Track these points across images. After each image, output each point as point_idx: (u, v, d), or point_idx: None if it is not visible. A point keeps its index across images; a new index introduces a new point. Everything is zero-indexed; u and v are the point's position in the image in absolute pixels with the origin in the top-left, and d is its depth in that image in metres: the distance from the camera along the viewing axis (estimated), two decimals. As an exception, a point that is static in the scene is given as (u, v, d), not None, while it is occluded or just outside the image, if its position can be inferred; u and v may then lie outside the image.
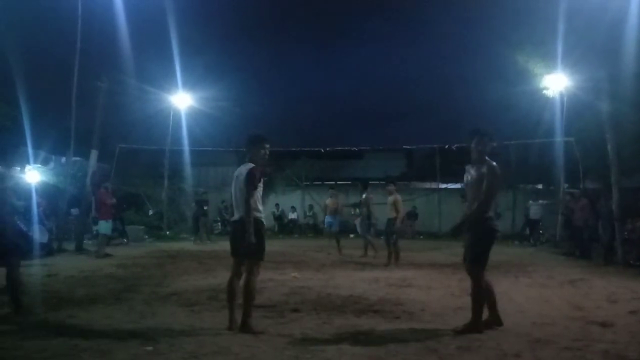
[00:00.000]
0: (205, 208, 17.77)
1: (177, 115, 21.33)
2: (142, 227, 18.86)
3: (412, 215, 21.09)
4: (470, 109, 25.32)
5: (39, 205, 12.44)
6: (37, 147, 16.15)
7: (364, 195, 13.23)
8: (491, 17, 18.94)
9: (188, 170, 22.07)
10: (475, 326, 5.20)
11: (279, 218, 23.54)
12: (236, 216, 5.38)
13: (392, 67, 69.52)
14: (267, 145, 5.49)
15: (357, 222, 14.89)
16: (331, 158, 26.53)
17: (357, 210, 14.24)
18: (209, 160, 24.49)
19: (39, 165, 16.65)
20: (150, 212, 21.48)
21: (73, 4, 14.15)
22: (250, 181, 5.18)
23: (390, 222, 11.42)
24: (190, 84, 21.10)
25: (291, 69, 64.33)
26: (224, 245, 6.44)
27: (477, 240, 5.30)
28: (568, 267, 11.23)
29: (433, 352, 4.57)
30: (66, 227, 15.14)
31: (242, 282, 5.31)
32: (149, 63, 20.55)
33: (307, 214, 23.43)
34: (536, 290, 8.06)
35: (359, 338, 5.02)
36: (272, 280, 8.47)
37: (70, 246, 13.88)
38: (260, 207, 5.39)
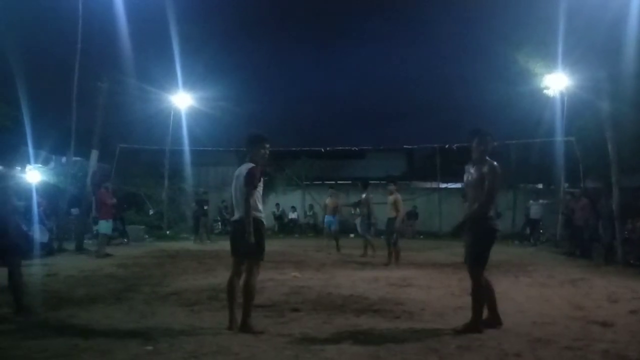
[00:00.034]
0: (205, 208, 17.76)
1: (177, 115, 21.32)
2: (143, 226, 18.85)
3: (412, 214, 21.08)
4: (471, 109, 25.31)
5: (39, 205, 12.46)
6: (37, 147, 16.16)
7: (363, 195, 13.22)
8: (491, 17, 18.96)
9: (188, 170, 22.05)
10: (475, 326, 5.19)
11: (279, 218, 23.54)
12: (236, 216, 5.39)
13: (392, 67, 69.58)
14: (267, 145, 5.49)
15: (357, 221, 14.88)
16: (331, 158, 26.52)
17: (357, 210, 14.21)
18: (209, 160, 24.48)
19: (40, 165, 16.67)
20: (151, 212, 21.47)
21: (73, 4, 14.15)
22: (250, 181, 5.18)
23: (391, 221, 11.42)
24: (191, 83, 21.09)
25: (291, 68, 64.40)
26: (224, 244, 6.45)
27: (477, 240, 5.30)
28: (568, 267, 11.23)
29: (433, 351, 4.56)
30: (66, 226, 15.14)
31: (242, 281, 5.31)
32: (150, 63, 20.55)
33: (308, 213, 23.42)
34: (536, 289, 8.06)
35: (359, 337, 5.02)
36: (272, 280, 8.46)
37: (71, 246, 13.88)
38: (260, 207, 5.39)
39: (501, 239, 12.37)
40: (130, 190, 20.77)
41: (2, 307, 6.08)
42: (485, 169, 5.29)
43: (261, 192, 5.40)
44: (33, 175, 15.09)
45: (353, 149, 25.62)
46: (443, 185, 23.03)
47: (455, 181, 20.32)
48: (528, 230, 18.46)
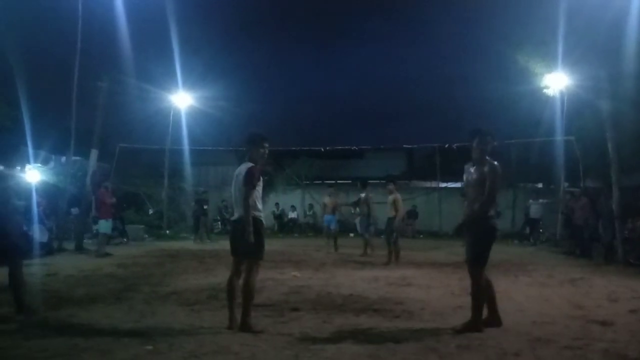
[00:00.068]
0: (205, 207, 17.77)
1: (177, 114, 21.33)
2: (142, 226, 18.86)
3: (412, 214, 21.08)
4: (471, 108, 25.28)
5: (39, 204, 12.45)
6: (37, 146, 16.15)
7: (362, 195, 13.21)
8: (491, 16, 18.97)
9: (188, 169, 22.08)
10: (475, 325, 5.20)
11: (279, 217, 23.54)
12: (236, 215, 5.39)
13: (392, 66, 69.51)
14: (267, 145, 5.49)
15: (357, 221, 14.90)
16: (331, 157, 26.55)
17: (357, 209, 14.21)
18: (209, 160, 24.50)
19: (39, 165, 16.66)
20: (150, 212, 21.49)
21: (73, 4, 14.15)
22: (249, 180, 5.18)
23: (390, 221, 11.43)
24: (190, 83, 21.11)
25: (291, 68, 64.37)
26: (224, 244, 6.45)
27: (478, 240, 5.31)
28: (568, 266, 11.23)
29: (433, 351, 4.56)
30: (66, 226, 15.14)
31: (241, 281, 5.31)
32: (149, 62, 20.58)
33: (307, 213, 23.43)
34: (536, 289, 8.06)
35: (358, 337, 5.02)
36: (272, 280, 8.46)
37: (70, 245, 13.88)
38: (260, 206, 5.38)
39: (501, 238, 12.38)
40: (129, 189, 20.78)
41: (3, 307, 6.07)
42: (486, 168, 5.29)
43: (261, 191, 5.40)
44: (33, 174, 15.08)
45: (353, 148, 25.62)
46: (443, 185, 23.05)
47: (455, 180, 20.33)
48: (528, 230, 18.46)
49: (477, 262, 5.32)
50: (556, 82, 17.31)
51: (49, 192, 15.57)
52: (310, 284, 8.32)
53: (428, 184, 24.88)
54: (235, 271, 5.39)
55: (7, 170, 6.18)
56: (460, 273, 9.03)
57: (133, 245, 15.89)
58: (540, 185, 22.46)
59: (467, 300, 5.50)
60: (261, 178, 5.38)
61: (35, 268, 9.22)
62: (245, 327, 5.14)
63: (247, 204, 5.14)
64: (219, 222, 21.87)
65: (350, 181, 24.79)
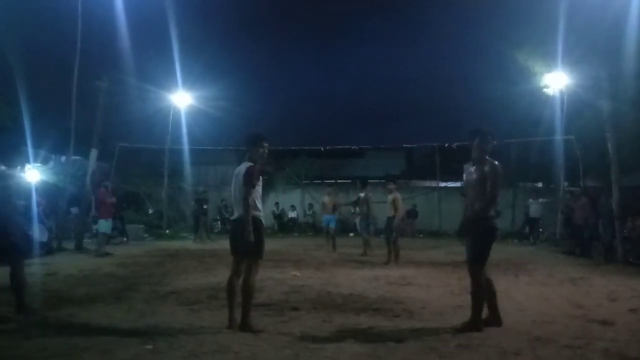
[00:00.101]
0: (205, 207, 17.76)
1: (177, 114, 21.32)
2: (142, 226, 18.87)
3: (412, 213, 21.08)
4: (471, 108, 25.39)
5: (38, 204, 12.45)
6: (37, 146, 16.14)
7: (361, 194, 13.20)
8: (491, 16, 18.97)
9: (188, 169, 22.08)
10: (474, 324, 5.20)
11: (279, 217, 23.53)
12: (236, 215, 5.39)
13: (392, 66, 69.66)
14: (266, 144, 5.49)
15: (357, 220, 14.90)
16: (331, 157, 26.54)
17: (357, 209, 14.21)
18: (208, 159, 24.50)
19: (39, 164, 16.65)
20: (150, 211, 21.48)
21: (73, 3, 14.14)
22: (248, 179, 5.19)
23: (390, 220, 11.42)
24: (190, 83, 21.11)
25: (291, 68, 64.46)
26: (224, 244, 6.45)
27: (478, 240, 5.31)
28: (568, 266, 11.23)
29: (433, 350, 4.56)
30: (66, 226, 15.14)
31: (241, 280, 5.31)
32: (149, 62, 20.62)
33: (307, 212, 23.42)
34: (536, 288, 8.06)
35: (359, 336, 5.02)
36: (271, 279, 8.47)
37: (70, 245, 13.88)
38: (260, 206, 5.38)
39: (501, 237, 12.38)
40: (129, 189, 20.78)
41: (3, 307, 6.07)
42: (486, 168, 5.29)
43: (260, 191, 5.40)
44: (32, 174, 15.07)
45: (353, 148, 25.62)
46: (442, 184, 23.06)
47: (455, 180, 20.34)
48: (527, 229, 18.46)
49: (477, 261, 5.32)
50: (556, 81, 17.31)
51: (48, 192, 15.57)
52: (310, 283, 8.32)
53: (428, 184, 24.89)
54: (235, 271, 5.39)
55: (8, 170, 6.16)
56: (460, 272, 9.03)
57: (133, 244, 15.89)
58: (540, 184, 22.47)
59: (467, 299, 5.50)
60: (261, 178, 5.38)
61: (35, 268, 9.21)
62: (245, 326, 5.14)
63: (247, 204, 5.14)
64: (219, 222, 21.87)
65: (350, 181, 24.80)
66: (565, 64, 15.87)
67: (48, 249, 12.36)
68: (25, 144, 15.03)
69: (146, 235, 18.46)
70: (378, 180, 20.26)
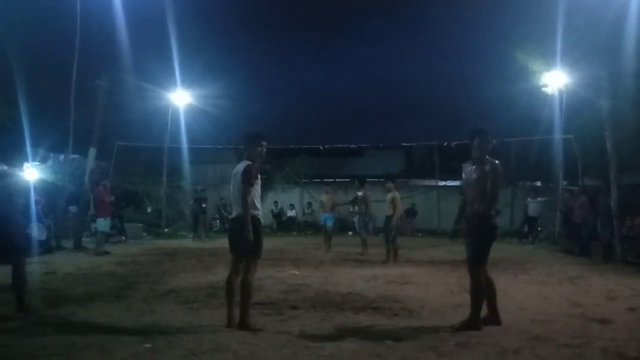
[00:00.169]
0: (203, 205, 17.74)
1: (175, 113, 21.29)
2: (141, 224, 18.85)
3: (411, 212, 21.05)
4: (470, 107, 25.26)
5: (37, 202, 12.43)
6: (36, 145, 16.12)
7: (360, 193, 13.19)
8: (491, 16, 18.96)
9: (187, 167, 22.05)
10: (473, 323, 5.20)
11: (278, 215, 23.52)
12: (234, 214, 5.39)
13: (391, 65, 69.55)
14: (265, 143, 5.48)
15: (356, 219, 14.89)
16: (330, 155, 26.51)
17: (356, 208, 14.18)
18: (207, 158, 24.47)
19: (38, 163, 16.63)
20: (149, 210, 21.46)
21: (72, 3, 14.12)
22: (247, 178, 5.19)
23: (389, 219, 11.42)
24: (189, 81, 21.06)
25: (291, 67, 64.32)
26: (223, 242, 6.45)
27: (478, 239, 5.30)
28: (567, 265, 11.23)
29: (432, 349, 4.57)
30: (64, 224, 15.12)
31: (239, 279, 5.31)
32: (148, 61, 20.50)
33: (306, 211, 23.41)
34: (535, 287, 8.07)
35: (357, 335, 5.02)
36: (270, 278, 8.47)
37: (69, 244, 13.88)
38: (258, 205, 5.38)
39: (499, 236, 12.33)
40: (128, 188, 20.76)
41: (3, 306, 6.06)
42: (487, 167, 5.29)
43: (259, 189, 5.40)
44: (31, 173, 15.05)
45: (352, 146, 25.61)
46: (441, 183, 23.05)
47: (454, 179, 20.35)
48: (526, 228, 18.44)
49: (477, 260, 5.32)
50: (555, 80, 17.29)
51: (47, 191, 15.54)
52: (309, 282, 8.32)
53: (427, 182, 24.86)
54: (234, 269, 5.39)
55: (9, 169, 6.16)
56: (459, 271, 9.04)
57: (132, 243, 15.89)
58: (539, 183, 22.45)
59: (466, 298, 5.51)
60: (259, 176, 5.38)
61: (33, 266, 9.18)
62: (244, 325, 5.14)
63: (245, 202, 5.14)
64: (218, 221, 21.84)
65: (349, 179, 24.75)
66: (564, 63, 15.86)
67: (47, 248, 12.36)
68: (24, 143, 15.02)
69: (145, 234, 18.45)
70: (377, 179, 20.23)
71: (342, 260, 11.62)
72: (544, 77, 17.88)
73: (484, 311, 5.35)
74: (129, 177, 20.88)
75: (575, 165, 16.65)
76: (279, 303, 6.54)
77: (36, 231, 11.56)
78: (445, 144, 21.80)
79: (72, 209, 15.89)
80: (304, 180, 24.19)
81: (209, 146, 22.85)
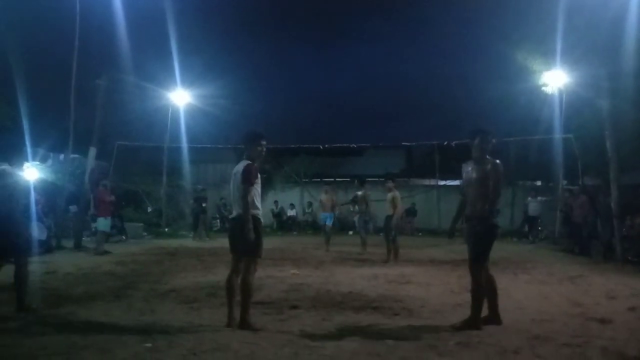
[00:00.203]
0: (204, 205, 17.74)
1: (175, 112, 21.28)
2: (141, 224, 18.86)
3: (411, 212, 21.08)
4: (470, 107, 25.28)
5: (37, 202, 12.42)
6: (36, 144, 16.12)
7: (359, 192, 13.19)
8: (491, 15, 18.95)
9: (187, 167, 22.03)
10: (474, 323, 5.20)
11: (278, 215, 23.51)
12: (234, 213, 5.39)
13: (392, 65, 69.58)
14: (264, 142, 5.48)
15: (356, 219, 14.90)
16: (330, 155, 26.53)
17: (356, 207, 14.18)
18: (207, 158, 24.48)
19: (38, 163, 16.62)
20: (149, 209, 21.47)
21: (72, 3, 14.11)
22: (247, 177, 5.19)
23: (389, 218, 11.42)
24: (189, 81, 21.06)
25: (291, 67, 64.38)
26: (223, 242, 6.45)
27: (479, 238, 5.31)
28: (567, 264, 11.23)
29: (432, 348, 4.57)
30: (65, 224, 15.12)
31: (240, 279, 5.31)
32: (148, 60, 20.52)
33: (306, 211, 23.42)
34: (535, 287, 8.07)
35: (358, 334, 5.02)
36: (271, 277, 8.47)
37: (69, 243, 13.88)
38: (259, 204, 5.38)
39: (500, 236, 12.33)
40: (128, 187, 20.77)
41: (3, 306, 6.06)
42: (488, 167, 5.29)
43: (259, 189, 5.40)
44: (31, 172, 15.05)
45: (352, 146, 25.60)
46: (442, 183, 23.05)
47: (454, 178, 20.33)
48: (526, 228, 18.45)
49: (477, 260, 5.33)
50: (555, 80, 17.29)
51: (47, 190, 15.54)
52: (310, 281, 8.32)
53: (427, 182, 24.87)
54: (234, 269, 5.39)
55: (11, 169, 6.16)
56: (459, 271, 9.06)
57: (132, 243, 15.89)
58: (539, 183, 22.47)
59: (467, 297, 5.51)
60: (259, 176, 5.38)
61: (34, 266, 9.12)
62: (245, 324, 5.15)
63: (246, 201, 5.15)
64: (218, 220, 21.85)
65: (349, 179, 24.77)
66: (564, 62, 15.84)
67: (47, 248, 12.35)
68: (25, 143, 15.01)
69: (145, 233, 18.45)
70: (377, 179, 20.24)
71: (342, 260, 11.62)
72: (543, 77, 17.87)
73: (484, 311, 5.35)
74: (129, 177, 20.88)
75: (575, 164, 16.65)
76: (279, 302, 6.54)
77: (36, 231, 11.56)
78: (446, 143, 21.80)
79: (73, 208, 15.89)
80: (304, 180, 24.19)
81: (209, 146, 22.83)
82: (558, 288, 8.00)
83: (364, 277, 8.90)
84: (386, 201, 11.64)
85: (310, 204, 23.14)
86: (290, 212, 23.54)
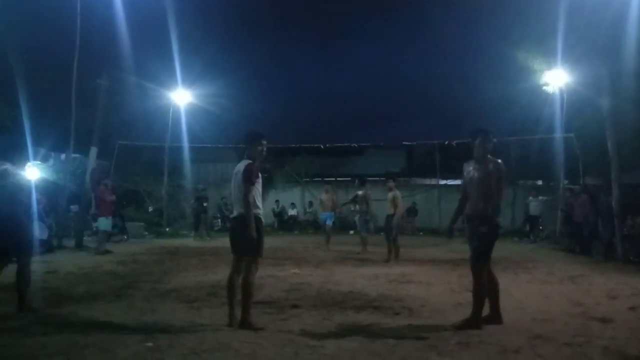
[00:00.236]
0: (205, 204, 17.75)
1: (176, 112, 21.30)
2: (142, 223, 18.87)
3: (412, 211, 21.08)
4: (471, 106, 25.25)
5: (38, 202, 12.42)
6: (37, 144, 16.15)
7: (360, 192, 13.18)
8: (491, 15, 18.93)
9: (188, 166, 22.05)
10: (474, 322, 5.20)
11: (279, 214, 23.51)
12: (235, 213, 5.40)
13: (392, 65, 69.56)
14: (265, 142, 5.48)
15: (357, 218, 14.90)
16: (331, 154, 26.52)
17: (357, 207, 14.18)
18: (208, 157, 24.49)
19: (39, 162, 16.65)
20: (150, 209, 21.48)
21: (73, 3, 14.12)
22: (247, 177, 5.19)
23: (390, 218, 11.43)
24: (190, 81, 21.07)
25: (292, 67, 64.39)
26: (224, 241, 6.46)
27: (481, 238, 5.30)
28: (568, 264, 11.23)
29: (432, 348, 4.57)
30: (66, 224, 15.14)
31: (241, 278, 5.32)
32: (149, 60, 20.51)
33: (307, 210, 23.42)
34: (536, 286, 8.07)
35: (358, 334, 5.02)
36: (272, 277, 8.47)
37: (70, 243, 13.89)
38: (260, 204, 5.39)
39: (501, 235, 12.33)
40: (129, 187, 20.79)
41: (3, 305, 6.07)
42: (490, 167, 5.29)
43: (260, 189, 5.41)
44: (32, 172, 15.06)
45: (352, 145, 25.58)
46: (442, 182, 23.04)
47: (455, 178, 20.31)
48: (527, 227, 18.44)
49: (479, 260, 5.33)
50: (556, 79, 17.30)
51: (48, 190, 15.56)
52: (310, 281, 8.32)
53: (428, 181, 24.87)
54: (235, 269, 5.39)
55: (14, 169, 6.17)
56: (460, 270, 9.06)
57: (133, 242, 15.90)
58: (540, 182, 22.45)
59: (467, 297, 5.51)
60: (260, 175, 5.39)
61: (35, 265, 9.13)
62: (245, 324, 5.15)
63: (247, 201, 5.15)
64: (219, 220, 21.86)
65: (350, 178, 24.77)
66: (565, 61, 15.85)
67: (48, 247, 12.36)
68: (26, 143, 15.04)
69: (146, 233, 18.46)
70: (378, 178, 20.23)
71: (343, 259, 11.62)
72: (544, 76, 17.88)
73: (485, 310, 5.35)
74: (130, 176, 20.91)
75: (576, 164, 16.64)
76: (280, 302, 6.54)
77: (37, 230, 11.55)
78: (446, 142, 21.79)
79: (74, 208, 15.92)
80: (305, 179, 24.20)
81: (210, 145, 22.83)
82: (559, 287, 7.99)
83: (365, 276, 8.90)
84: (387, 201, 11.64)
85: (311, 204, 23.14)
86: (291, 212, 23.54)
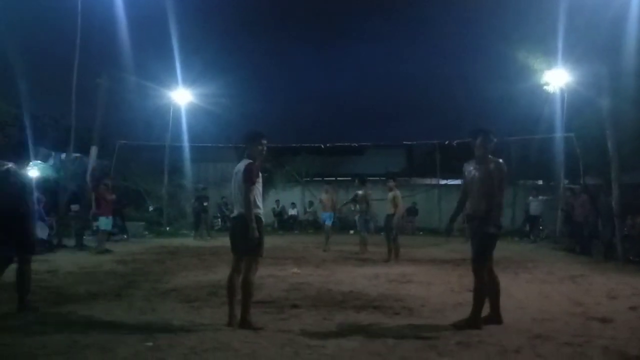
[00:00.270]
0: (205, 204, 17.74)
1: (177, 111, 21.30)
2: (142, 223, 18.86)
3: (412, 211, 21.08)
4: (471, 106, 25.26)
5: (39, 201, 12.44)
6: (37, 143, 16.14)
7: (359, 192, 13.17)
8: (492, 15, 18.96)
9: (188, 166, 22.04)
10: (474, 322, 5.20)
11: (279, 214, 23.51)
12: (235, 212, 5.40)
13: (392, 64, 69.54)
14: (265, 142, 5.49)
15: (357, 218, 14.91)
16: (331, 154, 26.51)
17: (357, 207, 14.18)
18: (208, 157, 24.48)
19: (39, 162, 16.64)
20: (150, 208, 21.47)
21: (73, 2, 14.14)
22: (248, 177, 5.20)
23: (390, 218, 11.42)
24: (190, 80, 21.08)
25: (292, 66, 64.41)
26: (224, 241, 6.45)
27: (482, 238, 5.30)
28: (568, 263, 11.23)
29: (433, 348, 4.57)
30: (66, 223, 15.13)
31: (241, 278, 5.32)
32: (149, 59, 20.58)
33: (307, 210, 23.41)
34: (536, 286, 8.07)
35: (359, 334, 5.02)
36: (272, 276, 8.47)
37: (70, 242, 13.88)
38: (260, 204, 5.39)
39: (501, 235, 12.35)
40: (129, 186, 20.77)
41: (3, 305, 6.06)
42: (491, 167, 5.29)
43: (260, 188, 5.41)
44: (33, 171, 15.05)
45: (353, 145, 25.58)
46: (443, 182, 23.03)
47: (455, 177, 20.31)
48: (528, 227, 18.45)
49: (480, 259, 5.33)
50: (556, 79, 17.30)
51: (49, 189, 15.55)
52: (311, 280, 8.32)
53: (428, 181, 24.86)
54: (235, 268, 5.39)
55: (17, 168, 6.18)
56: (460, 270, 9.06)
57: (133, 242, 15.89)
58: (540, 182, 22.43)
59: (467, 297, 5.51)
60: (260, 175, 5.39)
61: (35, 265, 9.15)
62: (245, 324, 5.15)
63: (248, 201, 5.15)
64: (219, 219, 21.86)
65: (350, 178, 24.76)
66: (565, 61, 15.85)
67: (48, 246, 12.36)
68: (27, 142, 15.02)
69: (146, 232, 18.46)
70: (378, 178, 20.23)
71: (343, 259, 11.63)
72: (545, 76, 17.87)
73: (485, 310, 5.35)
74: (131, 176, 20.90)
75: (576, 164, 16.63)
76: (280, 302, 6.54)
77: (38, 230, 11.57)
78: (447, 142, 21.77)
79: (74, 207, 15.89)
80: (305, 179, 24.20)
81: (210, 144, 22.84)
82: (559, 287, 8.00)
83: (365, 276, 8.90)
84: (387, 200, 11.64)
85: (311, 203, 23.13)
86: (292, 211, 23.54)
